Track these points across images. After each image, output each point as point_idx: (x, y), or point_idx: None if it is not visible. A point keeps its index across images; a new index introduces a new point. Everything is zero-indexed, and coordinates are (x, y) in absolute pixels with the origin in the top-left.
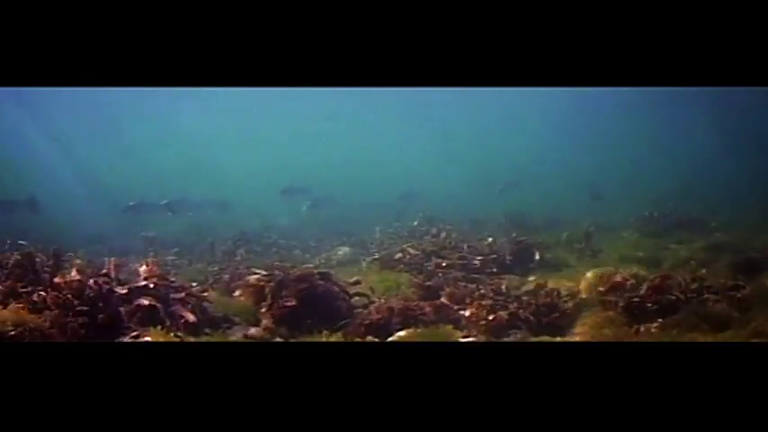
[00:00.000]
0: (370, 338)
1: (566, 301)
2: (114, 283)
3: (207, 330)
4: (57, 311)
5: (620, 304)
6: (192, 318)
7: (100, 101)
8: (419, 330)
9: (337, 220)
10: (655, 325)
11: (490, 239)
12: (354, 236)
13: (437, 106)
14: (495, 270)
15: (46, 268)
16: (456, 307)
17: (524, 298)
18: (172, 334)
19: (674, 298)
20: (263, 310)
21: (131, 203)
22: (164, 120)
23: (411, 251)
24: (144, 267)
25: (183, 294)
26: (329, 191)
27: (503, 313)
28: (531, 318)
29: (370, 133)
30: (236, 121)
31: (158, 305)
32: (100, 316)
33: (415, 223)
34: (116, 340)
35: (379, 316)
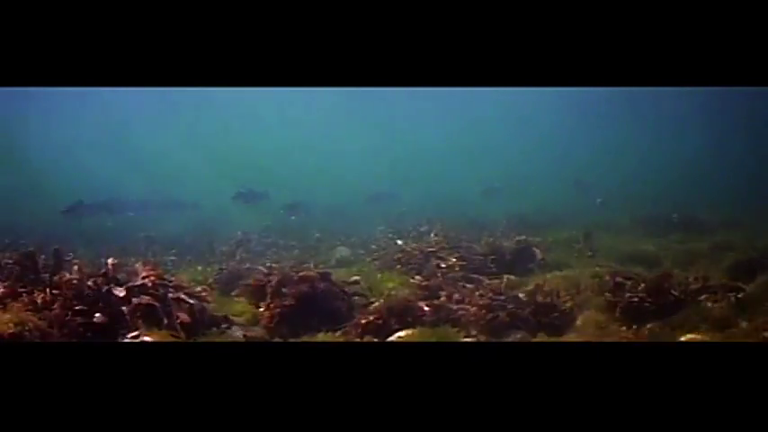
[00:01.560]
0: (369, 338)
1: (565, 301)
2: (113, 283)
3: (206, 330)
4: (56, 311)
5: (620, 304)
6: (189, 318)
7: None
8: (419, 330)
9: (316, 223)
10: (655, 325)
11: (491, 239)
12: (353, 236)
13: (417, 105)
14: (494, 270)
15: (46, 268)
16: (455, 307)
17: (524, 298)
18: (171, 334)
19: (673, 298)
20: (263, 309)
21: (69, 205)
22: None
23: (410, 251)
24: (143, 267)
25: (181, 294)
26: (299, 195)
27: (502, 313)
28: (531, 318)
29: (340, 134)
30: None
31: (157, 305)
32: (99, 315)
33: (424, 228)
34: (115, 340)
35: (378, 316)
